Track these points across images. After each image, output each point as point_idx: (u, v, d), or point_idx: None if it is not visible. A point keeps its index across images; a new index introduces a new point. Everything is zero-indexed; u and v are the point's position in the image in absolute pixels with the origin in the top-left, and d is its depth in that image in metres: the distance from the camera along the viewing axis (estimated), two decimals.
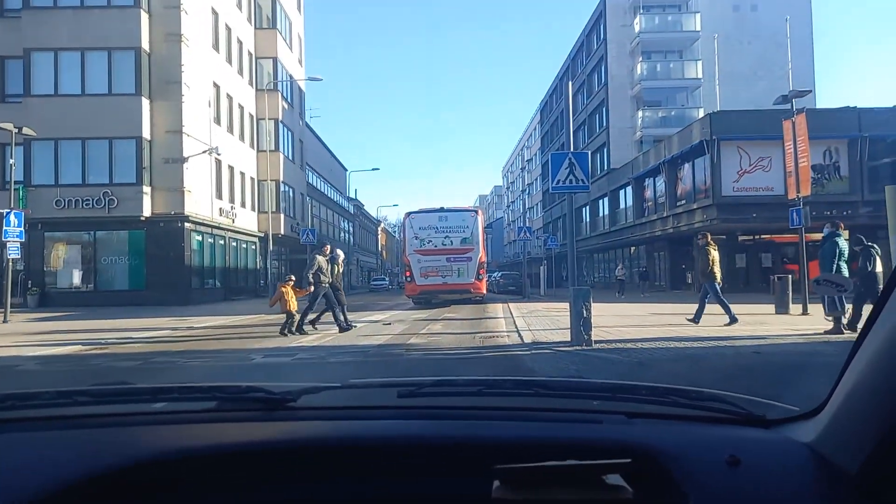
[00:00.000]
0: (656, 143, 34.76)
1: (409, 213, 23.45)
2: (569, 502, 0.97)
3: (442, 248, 21.98)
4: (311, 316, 13.13)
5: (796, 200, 17.55)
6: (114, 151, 24.99)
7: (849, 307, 9.84)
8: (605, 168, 42.78)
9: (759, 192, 26.27)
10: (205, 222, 27.60)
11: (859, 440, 1.00)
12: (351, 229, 67.81)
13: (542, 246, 63.83)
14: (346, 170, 66.21)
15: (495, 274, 46.02)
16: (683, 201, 29.93)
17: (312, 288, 12.87)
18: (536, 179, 70.95)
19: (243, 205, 33.44)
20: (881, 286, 11.31)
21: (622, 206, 40.33)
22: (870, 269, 9.77)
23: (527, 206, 76.49)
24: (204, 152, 26.17)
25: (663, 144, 31.69)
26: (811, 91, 16.55)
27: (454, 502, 1.15)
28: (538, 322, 14.19)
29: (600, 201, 44.65)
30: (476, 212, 24.01)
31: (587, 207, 47.66)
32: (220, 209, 29.66)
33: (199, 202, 27.08)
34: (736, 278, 30.54)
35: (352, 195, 71.33)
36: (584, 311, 9.07)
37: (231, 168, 31.41)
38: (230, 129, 31.59)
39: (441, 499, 1.17)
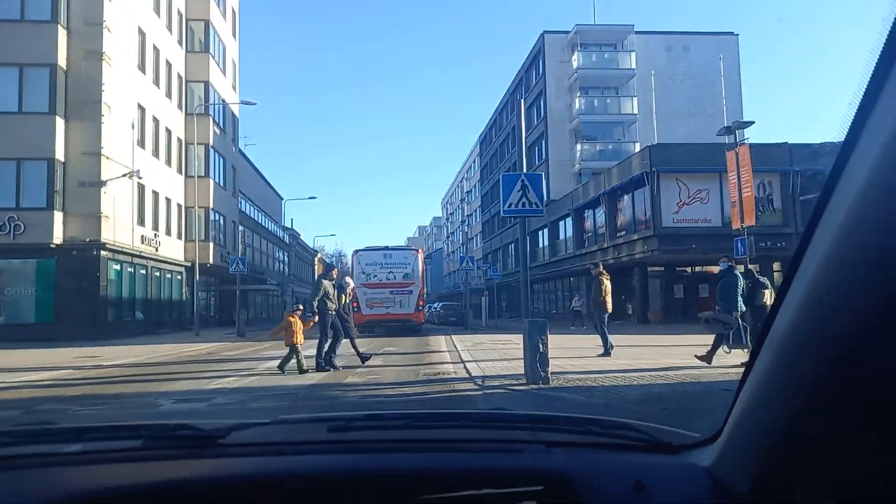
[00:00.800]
0: (595, 175, 35.00)
1: (356, 251, 26.15)
2: None
3: (386, 282, 24.50)
4: (326, 346, 11.49)
5: (740, 230, 17.42)
6: (22, 173, 22.93)
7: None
8: (545, 199, 42.86)
9: (699, 223, 26.51)
10: (124, 250, 25.65)
11: (748, 462, 1.06)
12: (286, 259, 65.70)
13: (482, 276, 63.65)
14: (281, 199, 64.44)
15: (436, 305, 45.11)
16: (624, 232, 29.98)
17: (317, 318, 11.33)
18: (476, 210, 70.98)
19: (168, 232, 31.49)
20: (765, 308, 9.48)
21: (562, 236, 40.36)
22: (759, 302, 10.32)
23: (467, 237, 76.30)
24: (124, 175, 24.39)
25: (603, 176, 31.84)
26: (754, 122, 16.73)
27: None
28: (485, 356, 13.33)
29: (540, 232, 44.66)
30: (417, 251, 26.82)
31: (527, 238, 47.60)
32: (143, 237, 27.73)
33: (119, 229, 25.16)
34: (674, 310, 30.70)
35: (288, 225, 69.48)
36: (541, 346, 8.27)
37: (155, 193, 29.54)
38: (156, 153, 29.81)
39: None
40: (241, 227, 43.91)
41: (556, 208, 39.98)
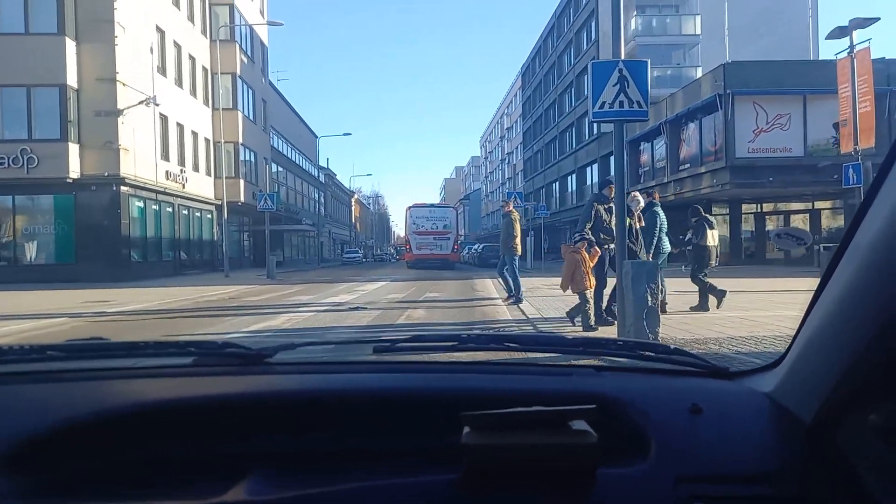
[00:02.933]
0: (654, 103, 31.76)
1: (409, 207, 33.87)
2: (535, 446, 0.98)
3: (431, 230, 32.08)
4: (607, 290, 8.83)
5: (853, 154, 14.61)
6: (33, 101, 21.18)
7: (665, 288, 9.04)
8: (595, 133, 39.73)
9: (777, 153, 23.49)
10: (147, 186, 23.98)
11: (814, 389, 1.04)
12: (322, 199, 64.11)
13: (524, 216, 61.01)
14: (316, 136, 62.33)
15: (475, 246, 43.02)
16: (688, 165, 27.07)
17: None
18: (517, 148, 67.79)
19: (196, 168, 29.78)
20: (713, 261, 9.90)
21: (612, 173, 37.44)
22: (698, 241, 9.72)
23: (506, 176, 73.38)
24: (141, 103, 22.45)
25: (665, 103, 28.70)
26: (878, 19, 13.69)
27: (427, 451, 1.14)
28: (548, 306, 11.17)
29: (588, 168, 41.76)
30: (454, 208, 37.05)
31: (573, 175, 44.76)
32: (168, 172, 26.03)
33: (141, 163, 23.43)
34: (741, 251, 28.00)
35: (323, 164, 67.60)
36: (649, 298, 6.03)
37: (180, 126, 27.68)
38: (179, 83, 27.79)
39: (414, 449, 1.17)
40: (273, 165, 42.09)
41: (607, 141, 36.91)
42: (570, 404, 1.04)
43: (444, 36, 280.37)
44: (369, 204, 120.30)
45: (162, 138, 25.71)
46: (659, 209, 9.41)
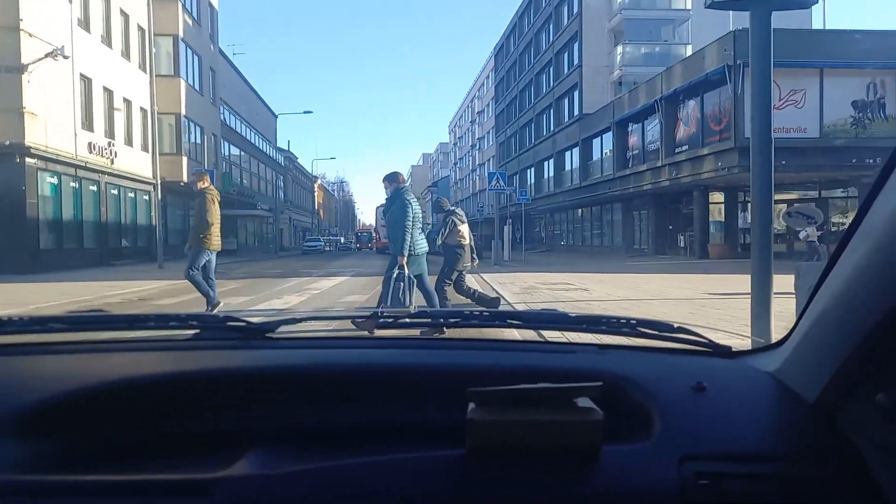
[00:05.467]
0: (644, 82, 28.98)
1: (378, 206, 37.60)
2: (540, 422, 0.98)
3: None
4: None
5: None
6: None
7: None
8: (576, 114, 36.92)
9: (791, 133, 20.90)
10: (63, 159, 20.22)
11: (818, 369, 1.05)
12: (282, 183, 60.13)
13: (493, 204, 58.14)
14: (275, 115, 58.19)
15: None
16: (685, 147, 24.39)
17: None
18: (489, 132, 64.74)
19: (129, 142, 25.97)
20: (467, 263, 7.89)
21: (596, 156, 34.71)
22: (445, 239, 8.00)
23: (477, 162, 70.37)
24: (48, 55, 18.63)
25: (660, 78, 25.94)
26: None
27: (431, 427, 1.14)
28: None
29: (567, 153, 38.99)
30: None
31: (551, 160, 41.95)
32: (92, 145, 22.24)
33: (54, 132, 19.65)
34: (738, 242, 25.53)
35: (284, 146, 63.55)
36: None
37: (108, 92, 23.84)
38: (107, 41, 23.92)
39: (418, 424, 1.16)
40: (225, 144, 38.26)
41: (590, 123, 34.17)
42: (574, 382, 1.03)
43: (412, 13, 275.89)
44: (334, 190, 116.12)
45: (84, 104, 21.92)
46: (410, 197, 7.21)
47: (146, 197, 27.47)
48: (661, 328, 1.41)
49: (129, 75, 25.78)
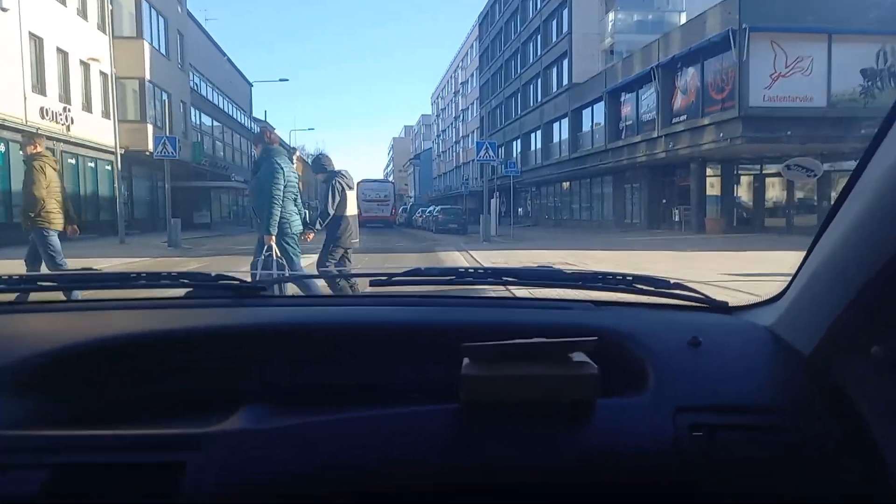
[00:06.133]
0: (639, 50, 27.51)
1: (359, 182, 37.97)
2: (535, 377, 0.98)
3: (375, 198, 41.21)
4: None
5: None
6: None
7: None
8: (566, 83, 35.40)
9: (797, 102, 19.69)
10: (9, 124, 18.42)
11: (814, 323, 1.06)
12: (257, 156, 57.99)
13: (477, 178, 56.48)
14: (250, 84, 55.86)
15: (431, 209, 38.48)
16: (684, 117, 23.09)
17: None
18: (473, 104, 62.91)
19: (88, 108, 24.09)
20: (355, 238, 6.40)
21: (586, 128, 33.31)
22: (339, 212, 6.25)
23: (461, 134, 68.62)
24: None
25: (657, 45, 24.51)
26: None
27: (426, 382, 1.13)
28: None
29: (556, 124, 37.54)
30: (392, 182, 50.37)
31: (538, 132, 40.50)
32: (44, 110, 20.42)
33: None
34: (734, 217, 24.48)
35: (260, 116, 61.28)
36: None
37: (63, 53, 21.93)
38: None
39: (414, 380, 1.15)
40: (196, 112, 36.23)
41: (580, 93, 32.71)
42: (570, 337, 1.03)
43: None
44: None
45: (35, 66, 20.05)
46: (281, 160, 5.71)
47: (108, 167, 25.65)
48: (658, 284, 1.39)
49: (85, 35, 23.80)
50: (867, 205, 0.90)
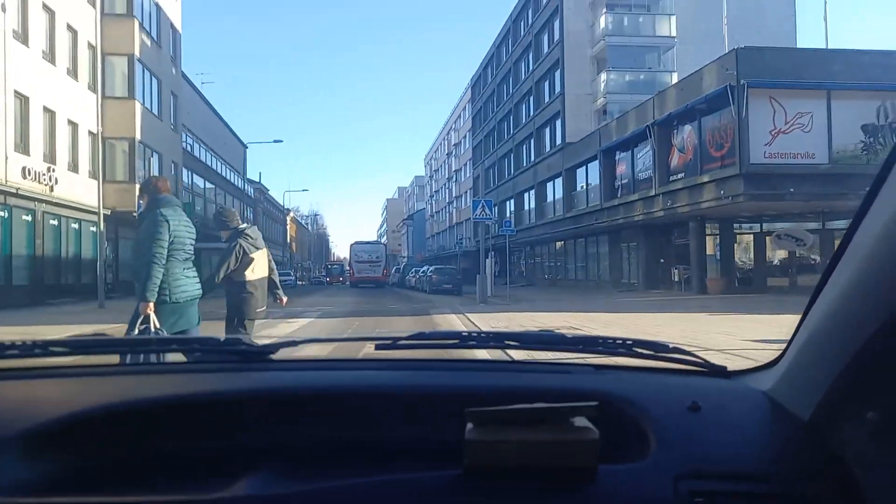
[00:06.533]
0: (633, 108, 27.49)
1: (352, 244, 48.20)
2: (537, 442, 0.98)
3: (367, 260, 44.36)
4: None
5: None
6: None
7: None
8: (559, 143, 35.39)
9: (798, 159, 19.35)
10: None
11: (811, 388, 1.05)
12: (251, 216, 57.58)
13: (470, 237, 56.12)
14: (245, 146, 56.00)
15: (424, 269, 37.76)
16: (681, 175, 22.75)
17: None
18: (466, 164, 63.22)
19: (74, 168, 23.56)
20: (261, 307, 5.82)
21: (580, 187, 33.06)
22: (238, 278, 5.52)
23: (454, 195, 68.68)
24: None
25: (652, 103, 24.44)
26: None
27: (430, 448, 1.14)
28: None
29: (549, 184, 37.35)
30: (384, 244, 54.47)
31: (531, 191, 40.33)
32: (27, 170, 19.83)
33: None
34: (732, 275, 23.84)
35: (254, 178, 61.22)
36: None
37: (50, 112, 21.53)
38: (49, 57, 21.69)
39: (417, 445, 1.17)
40: (188, 173, 35.86)
41: (574, 152, 32.62)
42: (571, 402, 1.03)
43: (386, 45, 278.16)
44: (307, 223, 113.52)
45: (19, 125, 19.58)
46: (169, 212, 4.64)
47: (93, 228, 24.88)
48: (657, 348, 1.42)
49: (75, 96, 23.50)
50: (858, 268, 0.91)
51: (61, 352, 1.37)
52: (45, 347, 1.36)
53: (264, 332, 12.05)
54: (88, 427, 1.11)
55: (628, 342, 1.42)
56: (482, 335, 1.52)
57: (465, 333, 1.50)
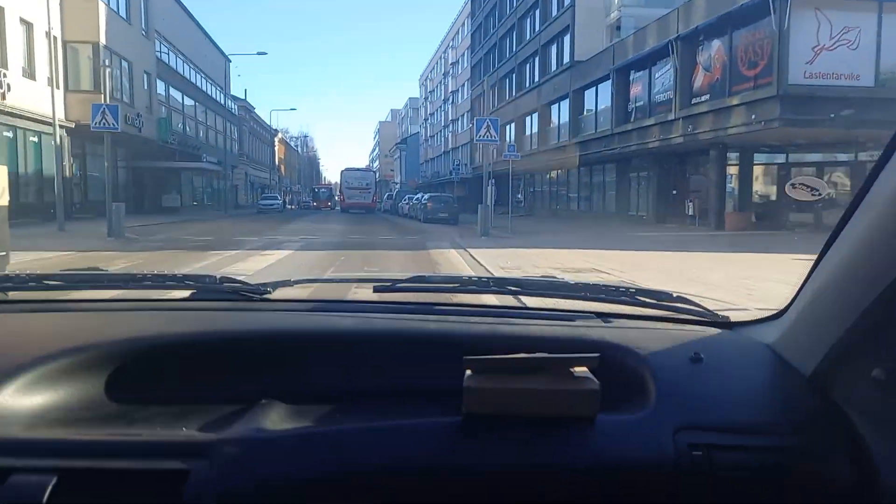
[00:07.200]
0: (654, 21, 24.86)
1: (343, 170, 49.88)
2: (537, 391, 0.98)
3: (357, 186, 45.32)
4: None
5: None
6: None
7: None
8: (567, 61, 32.75)
9: (841, 80, 17.24)
10: None
11: (815, 342, 1.05)
12: (236, 136, 54.82)
13: (467, 164, 53.78)
14: (228, 60, 52.59)
15: (419, 196, 35.78)
16: (706, 96, 20.57)
17: None
18: (464, 85, 60.02)
19: (31, 75, 21.11)
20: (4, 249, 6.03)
21: (587, 110, 30.76)
22: None
23: (450, 118, 65.76)
24: None
25: (675, 14, 21.93)
26: None
27: (429, 393, 1.13)
28: None
29: (555, 106, 34.94)
30: (374, 171, 58.20)
31: (535, 114, 37.88)
32: None
33: None
34: (750, 210, 22.12)
35: (240, 95, 58.02)
36: None
37: None
38: None
39: (416, 390, 1.16)
40: (164, 85, 33.16)
41: (583, 71, 30.10)
42: (573, 351, 1.03)
43: None
44: (297, 146, 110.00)
45: None
46: None
47: (54, 142, 22.66)
48: (661, 297, 1.40)
49: None
50: (872, 223, 0.89)
51: (56, 285, 1.36)
52: (39, 280, 1.35)
53: (235, 267, 10.30)
54: (85, 363, 1.09)
55: (632, 290, 1.43)
56: (483, 280, 1.58)
57: (466, 278, 1.54)
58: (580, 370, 1.00)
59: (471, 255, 11.43)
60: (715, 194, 21.69)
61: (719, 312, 1.37)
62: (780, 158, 22.32)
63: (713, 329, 1.32)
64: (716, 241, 15.64)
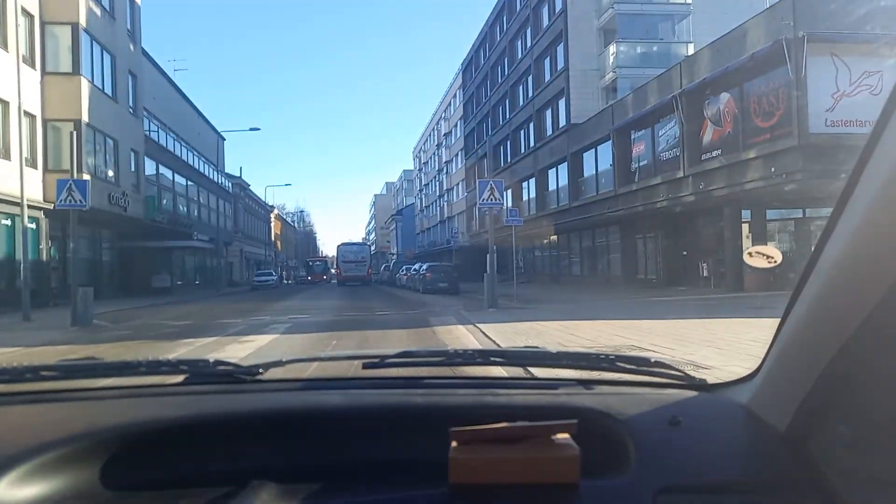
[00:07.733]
0: (654, 78, 24.22)
1: (339, 245, 53.74)
2: (520, 460, 1.00)
3: (353, 260, 48.33)
4: None
5: None
6: None
7: None
8: (563, 124, 32.15)
9: (866, 126, 16.00)
10: None
11: (787, 400, 1.07)
12: (230, 213, 53.94)
13: (464, 232, 52.92)
14: (222, 138, 52.44)
15: (416, 266, 34.44)
16: (717, 152, 19.54)
17: None
18: (458, 155, 59.85)
19: (6, 155, 20.06)
20: None
21: (590, 172, 29.86)
22: None
23: (445, 188, 65.34)
24: None
25: (678, 69, 21.23)
26: None
27: (416, 465, 1.15)
28: None
29: (553, 170, 34.13)
30: (368, 245, 63.06)
31: (531, 180, 37.08)
32: None
33: None
34: (775, 271, 20.65)
35: (235, 173, 57.58)
36: None
37: None
38: None
39: (404, 463, 1.17)
40: (150, 162, 32.29)
41: (581, 133, 29.42)
42: (555, 418, 1.05)
43: (369, 46, 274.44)
44: (293, 221, 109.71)
45: None
46: None
47: (33, 225, 21.37)
48: (640, 363, 1.43)
49: (7, 70, 19.94)
50: (828, 279, 0.90)
51: (51, 376, 1.38)
52: (35, 372, 1.37)
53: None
54: (79, 452, 1.11)
55: (611, 357, 1.46)
56: (469, 352, 1.57)
57: (452, 351, 1.51)
58: (561, 437, 1.01)
59: (482, 333, 9.91)
60: (731, 254, 20.34)
61: (696, 375, 1.36)
62: (797, 213, 21.15)
63: (691, 392, 1.33)
64: (740, 304, 14.20)
